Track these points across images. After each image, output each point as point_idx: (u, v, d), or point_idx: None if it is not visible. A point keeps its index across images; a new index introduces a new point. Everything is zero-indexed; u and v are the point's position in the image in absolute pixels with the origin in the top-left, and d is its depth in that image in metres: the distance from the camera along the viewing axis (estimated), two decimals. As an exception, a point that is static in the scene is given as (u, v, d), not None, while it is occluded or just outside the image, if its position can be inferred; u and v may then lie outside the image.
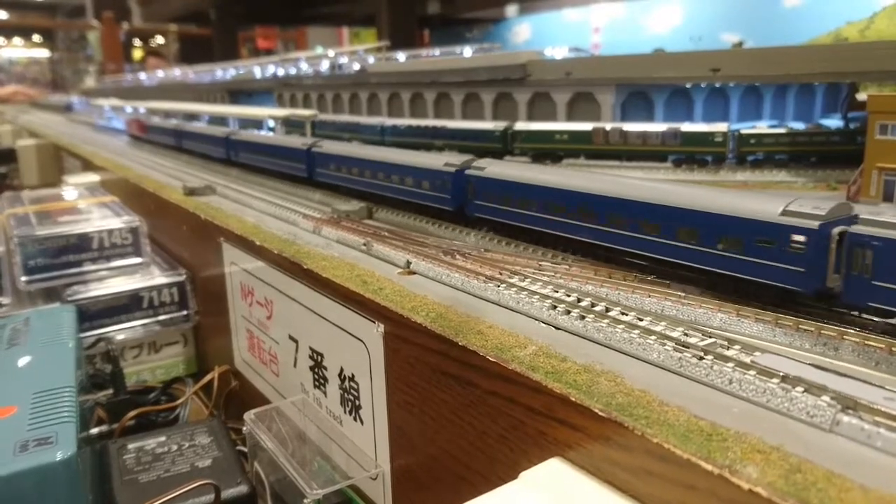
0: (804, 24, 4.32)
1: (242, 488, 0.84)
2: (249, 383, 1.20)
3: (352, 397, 0.84)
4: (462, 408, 0.63)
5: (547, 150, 1.42)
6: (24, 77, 11.34)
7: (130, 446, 0.94)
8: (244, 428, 0.93)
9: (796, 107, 1.63)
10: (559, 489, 0.50)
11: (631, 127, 1.32)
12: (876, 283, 0.54)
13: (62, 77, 11.38)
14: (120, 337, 1.32)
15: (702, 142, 1.26)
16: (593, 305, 0.66)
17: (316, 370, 0.93)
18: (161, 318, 1.37)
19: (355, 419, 0.84)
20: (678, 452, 0.43)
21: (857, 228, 0.55)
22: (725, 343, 0.56)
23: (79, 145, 2.82)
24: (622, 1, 5.70)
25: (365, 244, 0.95)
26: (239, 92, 3.36)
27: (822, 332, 0.56)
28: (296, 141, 1.47)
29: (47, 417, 0.74)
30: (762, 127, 1.31)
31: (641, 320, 0.61)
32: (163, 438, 0.95)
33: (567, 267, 0.79)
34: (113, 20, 8.29)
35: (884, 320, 0.56)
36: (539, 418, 0.54)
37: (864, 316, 0.58)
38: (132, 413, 1.11)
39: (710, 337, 0.57)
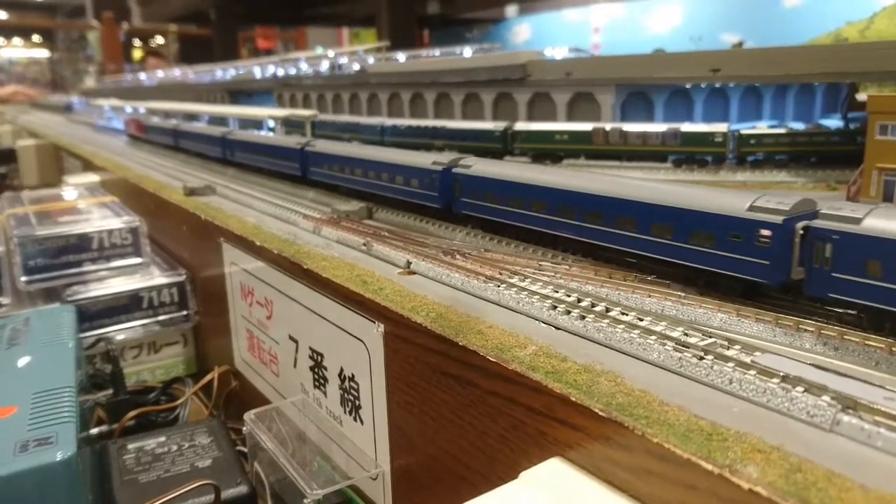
0: (804, 24, 4.32)
1: (242, 488, 0.84)
2: (249, 383, 1.20)
3: (352, 397, 0.84)
4: (462, 408, 0.63)
5: (547, 150, 1.42)
6: (24, 77, 11.34)
7: (130, 446, 0.94)
8: (244, 428, 0.93)
9: (796, 107, 1.63)
10: (559, 489, 0.50)
11: (631, 127, 1.32)
12: (835, 274, 0.56)
13: (62, 77, 11.38)
14: (120, 337, 1.32)
15: (702, 142, 1.26)
16: (593, 305, 0.66)
17: (316, 370, 0.93)
18: (161, 318, 1.37)
19: (355, 419, 0.84)
20: (678, 452, 0.43)
21: (817, 223, 0.57)
22: (725, 343, 0.56)
23: (79, 145, 2.82)
24: (622, 1, 5.70)
25: (365, 244, 0.95)
26: (239, 92, 3.36)
27: (822, 332, 0.56)
28: (290, 140, 1.49)
29: (47, 417, 0.74)
30: (762, 127, 1.31)
31: (641, 320, 0.61)
32: (163, 439, 0.95)
33: (567, 267, 0.79)
34: (113, 20, 8.28)
35: (843, 311, 0.59)
36: (539, 418, 0.54)
37: (828, 308, 0.60)
38: (132, 413, 1.11)
39: (711, 337, 0.57)
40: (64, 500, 0.68)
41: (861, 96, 1.54)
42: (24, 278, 1.29)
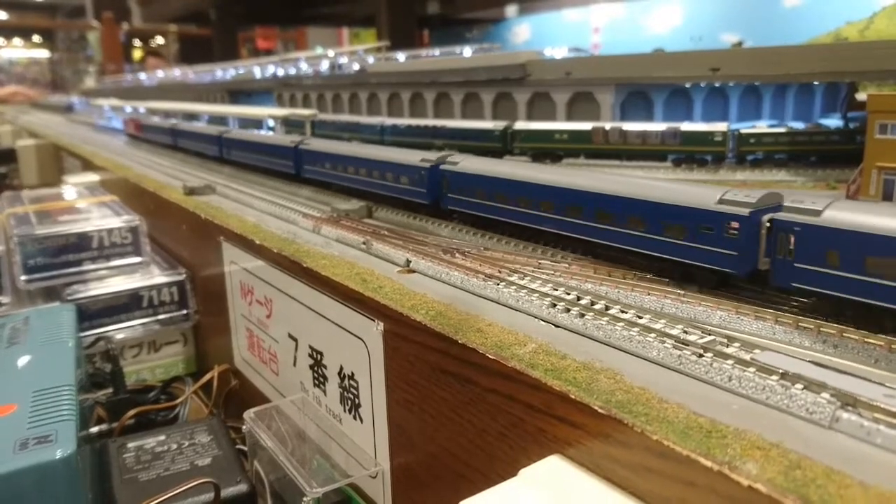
0: (804, 24, 4.33)
1: (242, 487, 0.84)
2: (249, 382, 1.20)
3: (351, 396, 0.84)
4: (462, 405, 0.63)
5: (547, 149, 1.42)
6: (24, 77, 11.34)
7: (130, 445, 0.94)
8: (244, 427, 0.93)
9: (796, 106, 1.63)
10: (558, 486, 0.50)
11: (630, 126, 1.32)
12: (797, 265, 0.58)
13: (62, 77, 11.38)
14: (119, 336, 1.32)
15: (701, 141, 1.26)
16: (593, 303, 0.66)
17: (315, 369, 0.93)
18: (161, 317, 1.37)
19: (355, 417, 0.84)
20: (678, 449, 0.43)
21: (780, 215, 0.60)
22: (725, 340, 0.56)
23: (79, 145, 2.82)
24: (622, 1, 5.70)
25: (364, 243, 0.95)
26: (239, 92, 3.37)
27: (822, 329, 0.56)
28: (284, 139, 1.52)
29: (47, 416, 0.74)
30: (762, 126, 1.31)
31: (641, 318, 0.61)
32: (162, 437, 0.95)
33: (567, 265, 0.79)
34: (113, 20, 8.29)
35: (805, 300, 0.61)
36: (538, 416, 0.54)
37: (794, 297, 0.62)
38: (132, 412, 1.11)
39: (710, 334, 0.57)
40: (63, 498, 0.68)
41: (861, 96, 1.54)
42: (23, 277, 1.29)
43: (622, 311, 0.63)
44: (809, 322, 0.57)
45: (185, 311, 1.39)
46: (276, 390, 1.08)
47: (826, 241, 0.56)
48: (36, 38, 11.84)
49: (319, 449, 0.90)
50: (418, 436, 0.71)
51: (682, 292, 0.66)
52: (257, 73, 3.22)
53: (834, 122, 1.39)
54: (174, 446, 0.93)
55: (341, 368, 0.85)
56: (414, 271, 0.84)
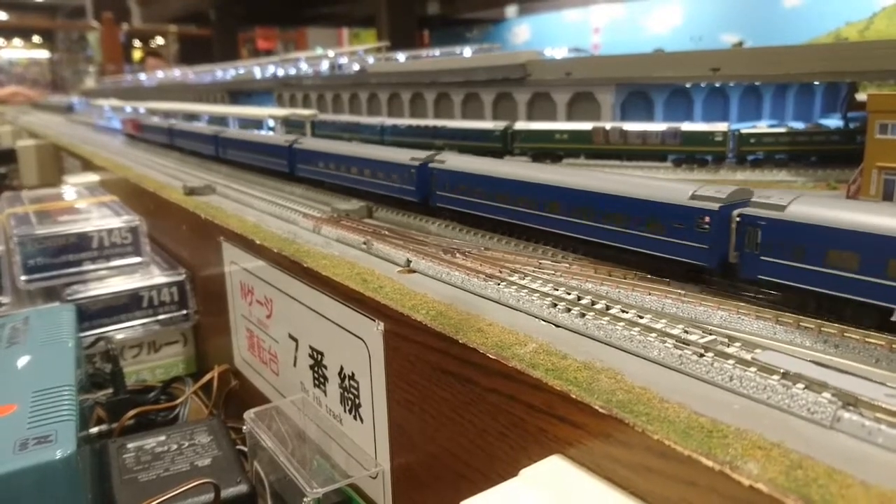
0: (804, 24, 4.33)
1: (242, 487, 0.84)
2: (249, 382, 1.20)
3: (352, 396, 0.84)
4: (462, 405, 0.63)
5: (547, 149, 1.42)
6: (24, 78, 11.34)
7: (130, 445, 0.94)
8: (244, 427, 0.93)
9: (796, 106, 1.63)
10: (559, 486, 0.50)
11: (631, 126, 1.32)
12: (763, 258, 0.60)
13: (62, 78, 11.38)
14: (119, 336, 1.32)
15: (702, 141, 1.26)
16: (593, 303, 0.66)
17: (316, 369, 0.93)
18: (161, 317, 1.37)
19: (355, 418, 0.84)
20: (679, 449, 0.43)
21: (747, 210, 0.62)
22: (726, 340, 0.56)
23: (78, 145, 2.82)
24: (622, 1, 5.71)
25: (365, 243, 0.95)
26: (239, 92, 3.37)
27: (823, 329, 0.56)
28: (278, 138, 1.54)
29: (47, 416, 0.74)
30: (762, 126, 1.31)
31: (642, 318, 0.61)
32: (162, 438, 0.95)
33: (567, 265, 0.78)
34: (113, 21, 8.29)
35: (770, 291, 0.63)
36: (539, 415, 0.54)
37: (763, 290, 0.64)
38: (132, 412, 1.11)
39: (711, 334, 0.57)
40: (63, 499, 0.68)
41: (861, 96, 1.54)
42: (23, 277, 1.29)
43: (623, 311, 0.63)
44: (810, 322, 0.57)
45: (185, 312, 1.38)
46: (277, 390, 1.08)
47: (790, 234, 0.58)
48: (36, 38, 11.85)
49: (319, 449, 0.90)
50: (419, 436, 0.71)
51: (683, 292, 0.66)
52: (257, 73, 3.22)
53: (834, 122, 1.39)
54: (174, 447, 0.93)
55: (342, 368, 0.85)
56: (414, 271, 0.84)
